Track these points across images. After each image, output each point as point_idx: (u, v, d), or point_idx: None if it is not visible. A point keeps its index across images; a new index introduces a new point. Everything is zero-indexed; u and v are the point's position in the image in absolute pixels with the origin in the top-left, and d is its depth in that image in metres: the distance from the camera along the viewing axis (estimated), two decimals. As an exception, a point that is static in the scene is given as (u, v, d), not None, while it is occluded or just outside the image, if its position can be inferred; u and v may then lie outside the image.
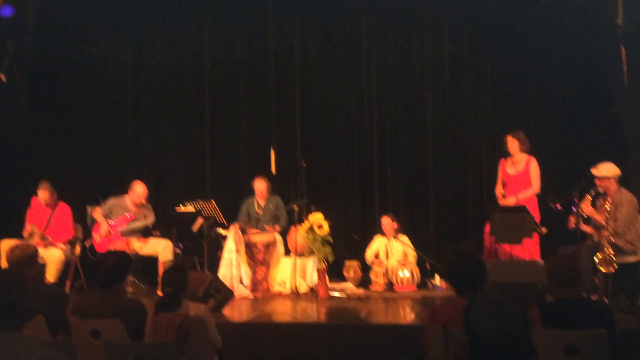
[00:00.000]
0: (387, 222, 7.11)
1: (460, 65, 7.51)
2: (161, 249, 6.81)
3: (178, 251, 7.03)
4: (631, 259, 5.82)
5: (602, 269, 5.34)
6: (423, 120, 7.63)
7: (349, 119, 7.82)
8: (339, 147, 7.86)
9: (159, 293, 6.01)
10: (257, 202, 7.36)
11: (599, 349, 2.94)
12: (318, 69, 7.77)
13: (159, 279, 6.46)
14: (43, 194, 6.87)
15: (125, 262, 3.64)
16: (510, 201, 6.32)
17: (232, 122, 8.07)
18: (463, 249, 3.10)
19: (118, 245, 6.73)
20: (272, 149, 7.18)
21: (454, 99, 7.55)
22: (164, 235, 7.01)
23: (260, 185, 7.24)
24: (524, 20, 7.17)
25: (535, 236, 6.03)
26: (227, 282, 6.20)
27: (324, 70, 7.76)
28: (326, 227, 6.33)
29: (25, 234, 6.79)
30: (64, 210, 7.01)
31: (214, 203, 7.16)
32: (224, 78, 7.94)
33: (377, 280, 6.89)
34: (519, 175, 6.50)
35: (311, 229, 6.34)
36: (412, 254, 7.02)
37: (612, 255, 5.41)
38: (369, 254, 7.17)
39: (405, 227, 7.36)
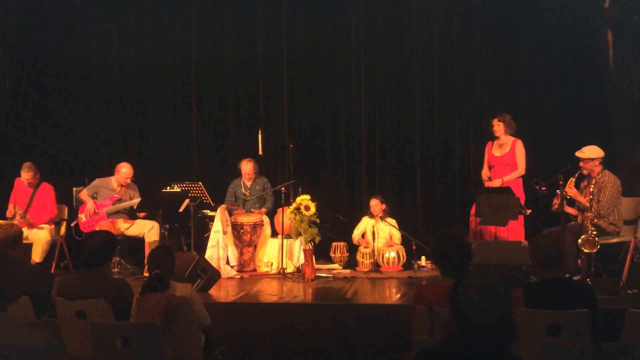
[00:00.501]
0: (375, 203, 7.12)
1: (449, 48, 7.47)
2: (147, 230, 6.81)
3: (164, 232, 6.99)
4: (614, 240, 5.89)
5: (585, 250, 5.39)
6: (411, 102, 7.61)
7: (337, 101, 7.79)
8: (327, 129, 7.84)
9: (145, 274, 5.90)
10: (244, 183, 7.36)
11: (582, 328, 2.98)
12: (306, 51, 7.73)
13: (145, 260, 6.38)
14: (26, 175, 6.84)
15: (110, 243, 3.63)
16: (495, 183, 6.36)
17: (220, 104, 8.02)
18: (448, 231, 3.20)
19: (104, 225, 6.74)
20: (259, 131, 7.18)
21: (442, 82, 7.52)
22: (150, 216, 6.97)
23: (247, 167, 7.22)
24: (513, 3, 7.18)
25: (520, 218, 6.04)
26: (213, 263, 6.20)
27: (313, 52, 7.73)
28: (313, 208, 6.33)
29: (8, 214, 6.78)
30: (47, 190, 6.97)
31: (201, 184, 7.24)
32: (211, 60, 7.87)
33: (364, 261, 6.92)
34: (505, 157, 6.52)
35: (298, 210, 6.32)
36: (397, 235, 7.06)
37: (595, 236, 5.46)
38: (356, 234, 7.18)
39: (393, 210, 7.37)
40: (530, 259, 3.31)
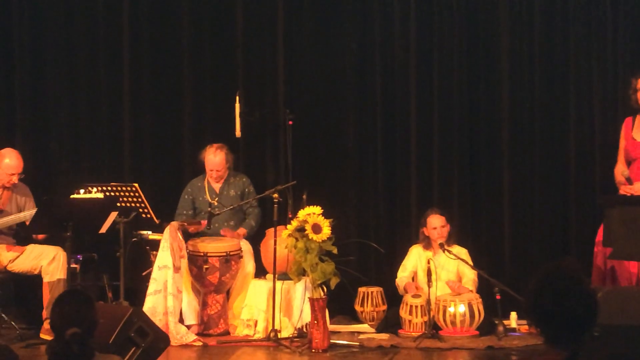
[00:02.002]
0: (436, 221, 7.09)
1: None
2: (47, 262, 6.79)
3: (75, 267, 7.06)
4: None
5: None
6: (496, 50, 7.74)
7: (367, 48, 7.85)
8: (351, 95, 7.90)
9: (45, 336, 6.21)
10: (210, 186, 7.34)
11: None
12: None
13: (44, 313, 6.58)
14: None
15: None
16: (638, 189, 6.28)
17: (169, 53, 8.08)
18: (558, 269, 2.99)
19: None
20: (236, 97, 7.29)
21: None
22: (51, 239, 6.96)
23: (214, 157, 7.21)
24: None
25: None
26: (157, 320, 6.27)
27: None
28: (327, 229, 6.31)
29: None
30: None
31: (138, 188, 7.19)
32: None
33: (413, 320, 6.84)
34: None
35: (302, 231, 6.30)
36: (470, 276, 7.06)
37: None
38: (402, 275, 7.14)
39: (461, 233, 7.36)
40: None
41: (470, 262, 7.01)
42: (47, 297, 6.59)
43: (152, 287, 6.66)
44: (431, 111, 7.84)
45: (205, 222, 7.06)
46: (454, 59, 7.87)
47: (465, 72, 7.84)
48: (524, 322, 6.76)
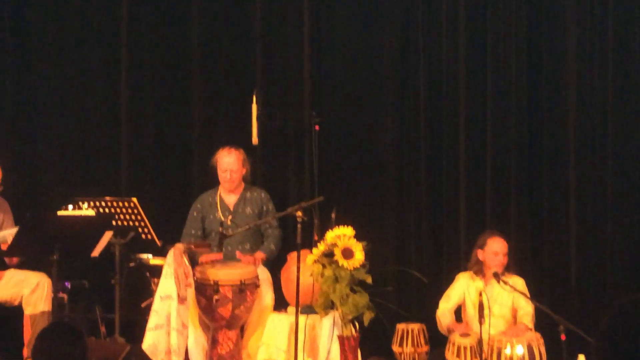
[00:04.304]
0: (499, 246, 6.94)
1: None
2: (29, 291, 6.78)
3: (63, 297, 7.06)
4: None
5: None
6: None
7: (405, 49, 7.88)
8: (386, 101, 7.90)
9: None
10: (222, 201, 7.24)
11: None
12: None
13: (25, 351, 6.61)
14: None
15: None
16: None
17: (173, 51, 8.09)
18: (638, 304, 2.84)
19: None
20: (253, 98, 7.32)
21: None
22: (34, 264, 6.99)
23: (228, 156, 7.16)
24: None
25: None
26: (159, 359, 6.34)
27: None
28: (360, 254, 6.27)
29: None
30: None
31: (137, 203, 7.14)
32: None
33: None
34: None
35: (330, 257, 6.26)
36: (528, 309, 6.89)
37: None
38: (444, 306, 6.99)
39: (518, 259, 7.26)
40: None
41: (528, 294, 6.86)
42: (29, 333, 6.56)
43: (152, 320, 6.53)
44: (484, 115, 7.86)
45: (221, 253, 7.07)
46: (511, 54, 7.85)
47: (524, 69, 7.81)
48: (595, 367, 6.52)
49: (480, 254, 6.96)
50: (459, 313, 7.14)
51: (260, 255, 7.06)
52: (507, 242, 7.03)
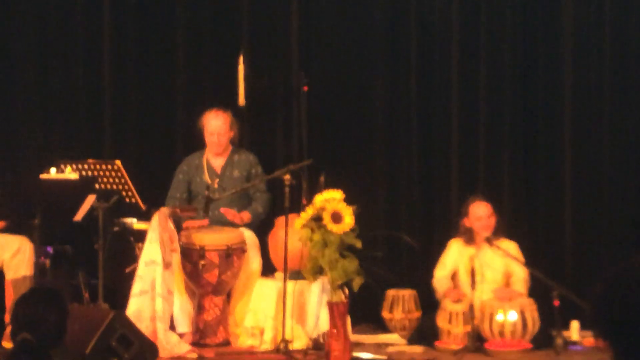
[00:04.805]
0: (480, 210, 6.97)
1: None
2: (9, 255, 6.79)
3: (45, 262, 7.07)
4: None
5: None
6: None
7: (396, 5, 7.92)
8: (377, 61, 7.89)
9: (5, 343, 6.33)
10: (209, 164, 7.28)
11: None
12: None
13: (7, 317, 6.59)
14: None
15: None
16: None
17: (157, 4, 8.06)
18: (634, 270, 2.82)
19: None
20: (240, 58, 7.35)
21: None
22: (15, 228, 6.99)
23: (216, 118, 7.18)
24: None
25: None
26: (144, 326, 6.34)
27: None
28: (349, 218, 6.24)
29: None
30: None
31: (120, 166, 7.17)
32: None
33: (453, 330, 6.77)
34: None
35: (318, 221, 6.23)
36: (522, 275, 6.95)
37: None
38: (441, 274, 7.05)
39: (512, 226, 7.31)
40: None
41: (522, 259, 6.90)
42: (11, 297, 6.57)
43: (137, 286, 6.57)
44: (477, 76, 7.84)
45: (207, 219, 7.10)
46: (505, 10, 7.83)
47: (519, 27, 7.80)
48: (589, 333, 6.67)
49: (466, 222, 7.02)
50: (452, 280, 7.25)
51: (246, 215, 7.10)
52: (488, 204, 7.06)
